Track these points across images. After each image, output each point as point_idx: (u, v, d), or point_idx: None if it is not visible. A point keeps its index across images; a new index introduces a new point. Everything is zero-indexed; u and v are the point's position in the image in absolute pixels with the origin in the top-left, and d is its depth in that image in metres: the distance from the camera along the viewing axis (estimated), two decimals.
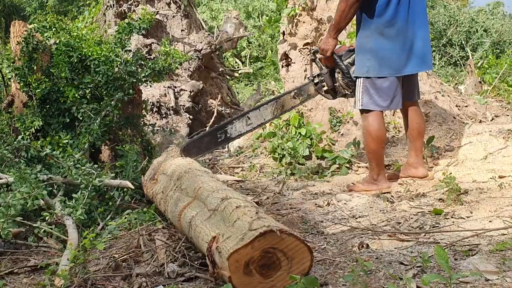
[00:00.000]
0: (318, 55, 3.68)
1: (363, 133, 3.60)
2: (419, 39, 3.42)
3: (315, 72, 3.80)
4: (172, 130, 4.92)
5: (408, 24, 3.37)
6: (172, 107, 5.78)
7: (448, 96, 5.31)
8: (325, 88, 3.72)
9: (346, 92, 3.65)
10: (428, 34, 3.54)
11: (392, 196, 3.51)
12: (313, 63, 3.81)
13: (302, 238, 1.96)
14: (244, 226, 1.98)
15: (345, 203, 3.48)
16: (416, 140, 3.68)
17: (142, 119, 4.41)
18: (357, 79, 3.47)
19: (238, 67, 12.58)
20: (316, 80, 3.77)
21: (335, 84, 3.65)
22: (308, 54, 5.24)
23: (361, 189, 3.60)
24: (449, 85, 6.60)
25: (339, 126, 4.95)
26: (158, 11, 6.31)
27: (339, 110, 5.04)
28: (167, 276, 2.29)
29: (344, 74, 3.55)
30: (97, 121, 3.81)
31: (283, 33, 5.47)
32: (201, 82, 6.36)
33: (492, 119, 5.34)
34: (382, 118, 3.52)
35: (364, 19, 3.44)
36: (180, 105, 5.93)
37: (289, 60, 5.32)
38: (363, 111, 3.51)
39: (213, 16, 14.51)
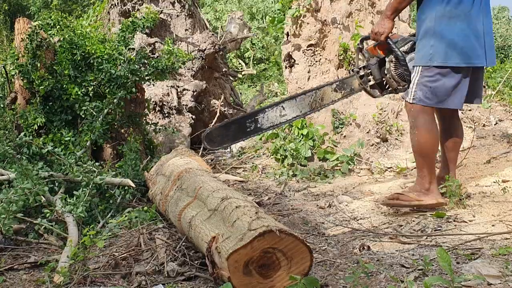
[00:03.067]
0: (367, 44, 3.28)
1: (412, 133, 3.04)
2: (488, 28, 2.96)
3: (361, 64, 3.36)
4: (175, 130, 4.91)
5: (477, 9, 2.90)
6: (174, 106, 5.77)
7: None
8: (372, 82, 3.29)
9: (398, 86, 3.19)
10: (492, 24, 3.07)
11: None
12: (359, 54, 3.37)
13: (302, 238, 1.94)
14: (243, 226, 1.97)
15: (346, 205, 3.47)
16: (452, 151, 3.20)
17: (144, 118, 4.41)
18: (415, 68, 3.00)
19: (241, 68, 12.59)
20: (361, 73, 3.31)
21: (384, 77, 3.22)
22: (312, 55, 5.23)
23: (411, 200, 3.02)
24: None
25: (341, 128, 4.95)
26: (162, 10, 6.31)
27: (341, 112, 5.03)
28: (166, 275, 2.28)
29: (400, 62, 3.10)
30: (99, 119, 3.81)
31: (287, 34, 5.46)
32: (204, 82, 6.35)
33: (496, 123, 5.32)
34: (434, 116, 3.06)
35: (428, 0, 2.97)
36: (183, 104, 5.92)
37: (293, 61, 5.31)
38: (413, 106, 3.01)
39: (217, 17, 14.53)
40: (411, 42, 3.14)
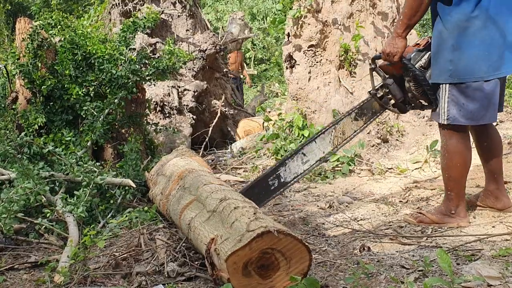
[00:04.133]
0: (379, 62, 3.03)
1: (443, 155, 2.80)
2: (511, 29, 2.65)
3: (377, 84, 3.06)
4: (175, 130, 4.92)
5: (498, 11, 2.60)
6: (175, 106, 5.77)
7: None
8: (393, 101, 3.02)
9: (423, 103, 2.92)
10: None
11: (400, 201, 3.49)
12: (373, 73, 3.09)
13: (300, 238, 1.94)
14: (242, 227, 1.97)
15: (347, 206, 3.47)
16: (496, 163, 2.92)
17: (145, 118, 4.41)
18: (441, 86, 2.73)
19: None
20: (380, 94, 3.04)
21: (406, 96, 2.95)
22: (313, 56, 5.23)
23: (432, 222, 2.86)
24: None
25: None
26: (163, 11, 6.32)
27: (342, 113, 5.03)
28: (167, 275, 2.29)
29: (419, 81, 2.82)
30: (100, 119, 3.81)
31: (288, 35, 5.46)
32: (205, 82, 6.35)
33: (497, 124, 5.32)
34: (469, 134, 2.83)
35: (441, 9, 2.69)
36: (184, 104, 5.93)
37: (294, 61, 5.31)
38: (446, 126, 2.75)
39: (218, 17, 14.54)
40: (427, 55, 2.83)
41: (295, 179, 2.99)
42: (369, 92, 3.09)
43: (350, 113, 3.09)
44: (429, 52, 2.81)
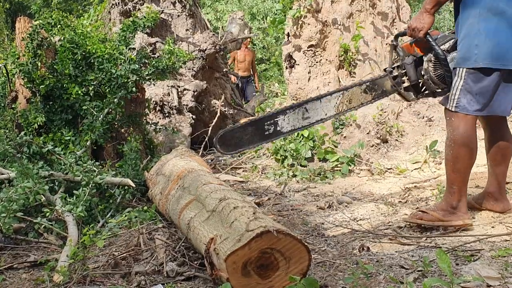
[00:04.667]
0: (401, 41, 2.96)
1: (449, 145, 2.68)
2: None
3: (394, 63, 3.00)
4: (175, 130, 4.92)
5: None
6: (175, 106, 5.78)
7: None
8: (406, 84, 2.95)
9: (437, 88, 2.85)
10: None
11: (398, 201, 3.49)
12: (393, 52, 3.02)
13: (300, 238, 1.94)
14: (241, 227, 1.97)
15: (346, 206, 3.47)
16: (500, 164, 2.84)
17: (144, 118, 4.41)
18: (457, 71, 2.64)
19: None
20: (395, 73, 2.96)
21: (421, 78, 2.88)
22: (313, 56, 5.23)
23: (436, 219, 2.73)
24: None
25: (341, 128, 4.95)
26: (163, 10, 6.32)
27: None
28: (166, 275, 2.28)
29: (440, 62, 2.73)
30: (99, 118, 3.81)
31: (288, 35, 5.46)
32: (205, 82, 6.35)
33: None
34: (476, 127, 2.71)
35: None
36: (183, 104, 5.93)
37: (293, 61, 5.32)
38: (454, 115, 2.66)
39: (218, 17, 14.54)
40: (452, 40, 2.78)
41: (290, 132, 2.91)
42: (385, 69, 3.03)
43: (361, 84, 3.01)
44: (455, 38, 2.76)
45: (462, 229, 2.71)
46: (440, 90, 2.84)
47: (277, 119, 2.84)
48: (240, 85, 10.07)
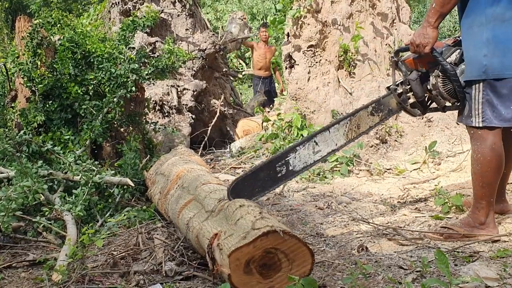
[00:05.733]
0: (403, 56, 2.87)
1: (477, 159, 2.56)
2: None
3: (397, 80, 2.89)
4: (174, 129, 4.92)
5: None
6: (174, 106, 5.78)
7: None
8: (412, 100, 2.84)
9: (447, 103, 2.73)
10: None
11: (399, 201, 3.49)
12: (396, 69, 2.90)
13: (305, 241, 1.94)
14: (247, 225, 1.97)
15: (345, 206, 3.47)
16: (507, 169, 2.78)
17: (144, 117, 4.41)
18: (473, 86, 2.53)
19: (241, 69, 12.60)
20: (399, 90, 2.84)
21: (427, 93, 2.78)
22: (312, 56, 5.23)
23: (462, 236, 2.60)
24: None
25: None
26: (163, 10, 6.32)
27: (341, 113, 5.03)
28: (164, 275, 2.29)
29: (450, 77, 2.62)
30: (99, 117, 3.81)
31: (288, 35, 5.47)
32: (205, 81, 6.36)
33: None
34: (501, 138, 2.58)
35: (473, 1, 2.52)
36: (183, 104, 5.93)
37: (293, 61, 5.32)
38: (480, 129, 2.53)
39: (218, 17, 14.54)
40: (458, 51, 2.67)
41: (303, 169, 2.78)
42: (388, 87, 2.92)
43: (368, 106, 2.91)
44: (460, 49, 2.66)
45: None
46: (450, 105, 2.73)
47: (288, 158, 2.72)
48: (263, 87, 8.72)
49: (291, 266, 1.92)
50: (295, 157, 2.73)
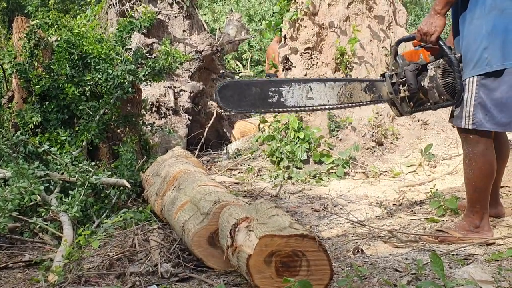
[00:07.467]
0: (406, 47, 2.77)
1: (469, 164, 2.54)
2: None
3: (394, 70, 2.80)
4: (171, 130, 4.91)
5: None
6: (171, 107, 5.78)
7: None
8: (403, 94, 2.73)
9: (440, 98, 2.63)
10: None
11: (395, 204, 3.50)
12: (395, 57, 2.81)
13: (331, 260, 1.94)
14: (284, 222, 1.99)
15: (341, 208, 3.48)
16: (498, 171, 2.71)
17: (141, 118, 4.41)
18: (466, 83, 2.49)
19: (239, 70, 12.60)
20: (393, 79, 2.75)
21: (422, 88, 2.68)
22: (309, 59, 5.25)
23: (457, 239, 2.60)
24: None
25: (337, 131, 4.96)
26: (160, 11, 6.32)
27: (337, 116, 5.04)
28: (160, 276, 2.29)
29: (453, 67, 2.52)
30: (95, 118, 3.81)
31: (284, 37, 5.47)
32: (202, 83, 6.36)
33: None
34: (493, 141, 2.56)
35: None
36: (180, 105, 5.93)
37: (290, 64, 5.32)
38: (472, 133, 2.50)
39: (215, 18, 14.54)
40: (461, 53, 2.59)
41: (293, 108, 2.72)
42: (382, 74, 2.84)
43: (362, 81, 2.84)
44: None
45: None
46: (442, 101, 2.64)
47: (282, 89, 2.65)
48: None
49: (307, 277, 1.90)
50: (289, 92, 2.68)
